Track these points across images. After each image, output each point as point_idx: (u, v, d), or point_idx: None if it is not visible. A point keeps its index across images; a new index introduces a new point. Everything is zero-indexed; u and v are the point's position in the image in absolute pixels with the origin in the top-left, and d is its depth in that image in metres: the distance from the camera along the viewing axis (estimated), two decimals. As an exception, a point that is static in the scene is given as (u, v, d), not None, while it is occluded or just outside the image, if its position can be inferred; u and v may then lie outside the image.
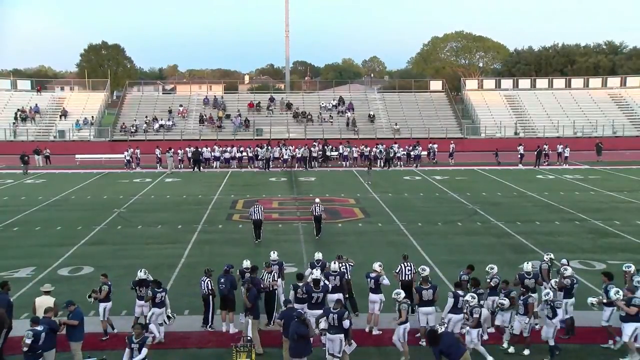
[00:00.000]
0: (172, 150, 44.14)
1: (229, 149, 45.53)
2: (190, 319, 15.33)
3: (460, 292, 13.51)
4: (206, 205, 30.33)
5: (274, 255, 15.92)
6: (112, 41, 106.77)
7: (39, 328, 11.68)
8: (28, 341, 11.40)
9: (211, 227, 25.73)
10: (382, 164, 44.19)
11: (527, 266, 15.01)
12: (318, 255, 15.88)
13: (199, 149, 44.14)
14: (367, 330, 14.63)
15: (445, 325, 13.10)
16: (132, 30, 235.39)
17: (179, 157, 44.71)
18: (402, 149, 46.05)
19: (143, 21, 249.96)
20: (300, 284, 14.10)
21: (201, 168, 43.33)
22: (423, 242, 22.83)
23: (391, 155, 44.69)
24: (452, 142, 48.32)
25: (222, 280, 14.82)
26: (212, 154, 44.98)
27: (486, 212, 27.96)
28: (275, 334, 13.65)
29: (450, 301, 13.50)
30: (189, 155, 44.18)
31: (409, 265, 15.61)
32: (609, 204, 30.30)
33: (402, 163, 45.43)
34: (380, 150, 45.12)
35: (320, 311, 13.61)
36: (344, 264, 15.52)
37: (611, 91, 63.57)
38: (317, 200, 24.42)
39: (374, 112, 59.32)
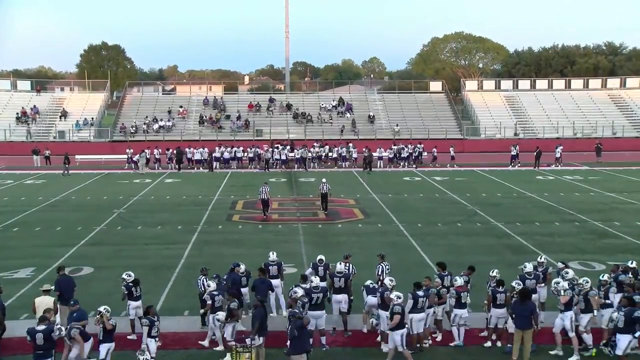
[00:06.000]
0: (150, 150, 44.76)
1: (235, 148, 45.83)
2: (190, 319, 15.32)
3: (420, 293, 13.58)
4: (206, 205, 30.33)
5: (273, 256, 15.92)
6: (112, 41, 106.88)
7: (43, 327, 11.69)
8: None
9: (211, 227, 25.73)
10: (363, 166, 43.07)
11: (529, 266, 15.11)
12: (320, 256, 15.95)
13: (182, 149, 44.50)
14: (364, 330, 14.68)
15: (407, 326, 13.26)
16: (132, 31, 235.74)
17: (156, 157, 44.72)
18: (387, 150, 45.79)
19: (143, 21, 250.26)
20: (303, 285, 14.12)
21: (193, 167, 43.81)
22: (423, 242, 22.84)
23: (372, 157, 43.35)
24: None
25: (225, 277, 14.92)
26: (213, 155, 45.07)
27: (486, 213, 27.97)
28: (276, 334, 13.70)
29: (410, 302, 13.48)
30: (173, 154, 44.53)
31: (387, 265, 15.76)
32: (608, 205, 30.31)
33: (407, 163, 45.41)
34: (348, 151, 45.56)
35: (321, 312, 13.68)
36: (349, 265, 15.47)
37: (611, 92, 63.56)
38: (324, 180, 28.94)
39: (374, 113, 59.33)
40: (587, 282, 13.88)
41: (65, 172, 41.33)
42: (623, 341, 12.34)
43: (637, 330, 12.36)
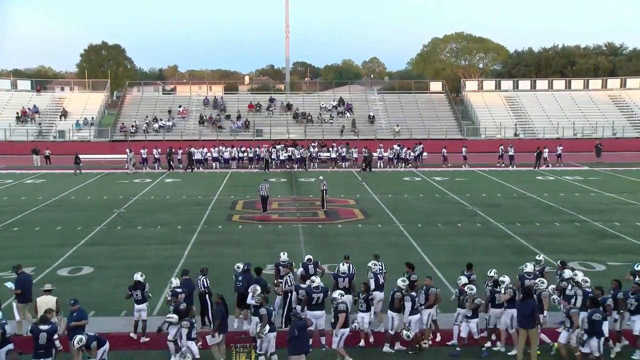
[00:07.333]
0: (146, 150, 44.84)
1: (237, 148, 45.92)
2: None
3: (413, 294, 13.63)
4: (206, 205, 30.33)
5: (284, 257, 15.83)
6: (113, 41, 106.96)
7: (46, 327, 11.70)
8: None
9: (211, 227, 25.72)
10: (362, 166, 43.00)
11: (530, 266, 15.15)
12: (308, 256, 16.13)
13: (172, 150, 44.79)
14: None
15: (410, 328, 13.30)
16: (132, 30, 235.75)
17: (155, 157, 44.77)
18: (405, 149, 45.84)
19: (143, 21, 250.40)
20: (303, 286, 14.10)
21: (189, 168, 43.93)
22: (423, 243, 22.83)
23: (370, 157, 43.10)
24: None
25: (240, 278, 14.88)
26: (212, 155, 45.20)
27: (486, 214, 27.96)
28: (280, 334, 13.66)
29: (408, 305, 13.47)
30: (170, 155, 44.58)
31: (380, 264, 15.66)
32: (608, 205, 30.31)
33: (403, 164, 45.34)
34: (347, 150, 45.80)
35: (321, 312, 13.64)
36: (350, 264, 15.43)
37: (611, 92, 63.58)
38: (321, 177, 30.26)
39: (374, 113, 59.32)
40: (543, 283, 14.03)
41: (77, 171, 41.40)
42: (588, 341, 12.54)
43: (599, 332, 12.44)
